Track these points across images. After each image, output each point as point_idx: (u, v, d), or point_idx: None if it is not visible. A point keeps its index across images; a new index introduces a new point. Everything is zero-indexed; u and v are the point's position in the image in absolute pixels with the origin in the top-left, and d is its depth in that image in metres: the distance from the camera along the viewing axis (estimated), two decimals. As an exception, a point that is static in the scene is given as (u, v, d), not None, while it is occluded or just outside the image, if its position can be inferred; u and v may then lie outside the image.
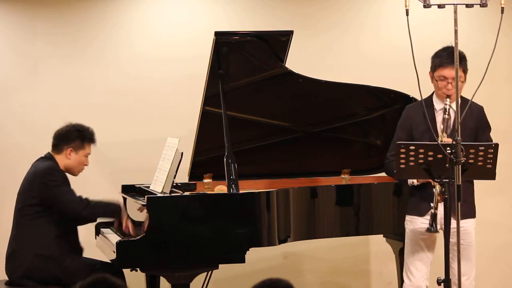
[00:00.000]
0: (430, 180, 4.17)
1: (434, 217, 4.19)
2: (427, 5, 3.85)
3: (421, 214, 4.44)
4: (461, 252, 4.23)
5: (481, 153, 3.89)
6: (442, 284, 4.00)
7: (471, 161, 3.89)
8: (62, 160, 4.84)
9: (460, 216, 4.31)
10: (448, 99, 4.33)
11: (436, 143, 3.85)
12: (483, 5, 3.82)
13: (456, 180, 3.78)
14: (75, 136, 4.86)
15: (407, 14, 3.76)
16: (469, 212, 4.33)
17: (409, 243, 4.54)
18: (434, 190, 4.19)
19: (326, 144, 5.55)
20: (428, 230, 4.21)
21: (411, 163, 3.95)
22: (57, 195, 4.67)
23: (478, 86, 3.76)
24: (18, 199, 4.81)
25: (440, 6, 3.87)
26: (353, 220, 5.09)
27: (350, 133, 5.52)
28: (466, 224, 4.33)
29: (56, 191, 4.68)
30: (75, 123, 4.94)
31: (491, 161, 3.92)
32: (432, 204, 4.19)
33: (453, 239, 4.40)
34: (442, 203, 4.35)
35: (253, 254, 4.57)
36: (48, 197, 4.69)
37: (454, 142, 3.79)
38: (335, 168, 5.62)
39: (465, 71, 4.41)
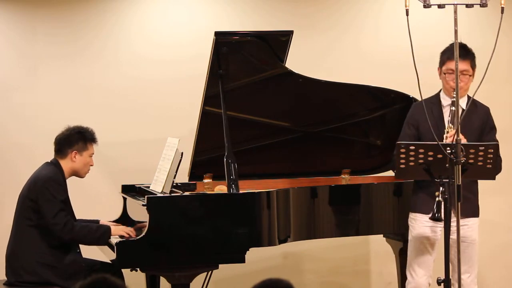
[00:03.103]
0: None
1: (438, 204, 4.18)
2: (427, 5, 3.85)
3: (426, 212, 4.44)
4: (463, 250, 4.25)
5: (481, 153, 3.90)
6: (442, 284, 4.01)
7: (471, 161, 3.89)
8: (68, 164, 4.80)
9: (465, 214, 4.34)
10: (455, 93, 4.35)
11: (436, 143, 3.86)
12: (483, 5, 3.82)
13: (456, 180, 3.79)
14: (77, 138, 4.82)
15: (407, 14, 3.77)
16: (471, 211, 4.33)
17: (412, 241, 4.55)
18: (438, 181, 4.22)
19: (326, 144, 5.55)
20: (433, 217, 4.19)
21: (411, 163, 3.96)
22: (46, 212, 4.63)
23: (478, 86, 3.77)
24: (19, 202, 4.80)
25: (440, 6, 3.87)
26: (353, 220, 5.09)
27: (350, 133, 5.52)
28: (469, 222, 4.34)
29: (46, 208, 4.64)
30: (74, 126, 4.89)
31: (491, 161, 3.92)
32: (436, 193, 4.19)
33: (453, 237, 4.43)
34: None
35: (253, 254, 4.57)
36: (39, 208, 4.67)
37: (454, 142, 3.80)
38: (335, 168, 5.62)
39: (472, 66, 4.42)
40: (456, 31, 3.84)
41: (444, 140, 4.26)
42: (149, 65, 6.17)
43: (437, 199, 4.17)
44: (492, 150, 3.91)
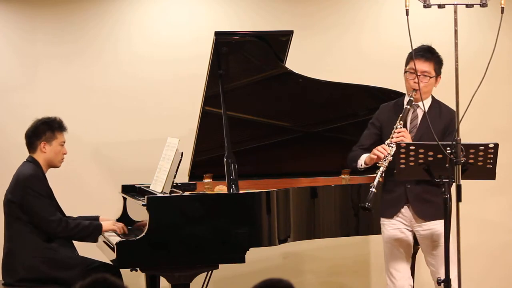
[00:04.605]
0: (376, 160, 4.28)
1: (370, 195, 4.20)
2: (427, 5, 3.85)
3: (390, 216, 4.46)
4: (437, 254, 4.25)
5: (481, 153, 3.89)
6: (442, 284, 4.01)
7: (471, 161, 3.89)
8: (40, 156, 4.82)
9: (428, 217, 4.34)
10: (414, 92, 4.35)
11: (436, 143, 3.86)
12: (483, 5, 3.82)
13: (456, 180, 3.78)
14: (43, 129, 4.84)
15: (407, 14, 3.77)
16: (437, 213, 4.15)
17: (384, 245, 4.54)
18: (377, 172, 4.26)
19: (326, 144, 5.56)
20: (360, 206, 4.20)
21: (411, 163, 3.96)
22: (36, 210, 4.65)
23: (478, 86, 3.76)
24: (5, 204, 4.81)
25: (440, 6, 3.87)
26: (353, 220, 5.09)
27: (350, 133, 5.51)
28: (436, 225, 4.31)
29: (37, 206, 4.66)
30: (41, 118, 4.91)
31: (491, 161, 3.92)
32: (371, 184, 4.22)
33: (427, 241, 4.41)
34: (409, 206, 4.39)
35: (253, 254, 4.57)
36: (27, 208, 4.67)
37: (453, 142, 3.80)
38: (335, 168, 5.63)
39: (436, 69, 4.41)
40: (456, 31, 3.84)
41: (390, 137, 4.29)
42: (149, 65, 6.17)
43: (371, 189, 4.20)
44: (492, 150, 3.90)
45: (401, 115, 4.37)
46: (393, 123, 4.41)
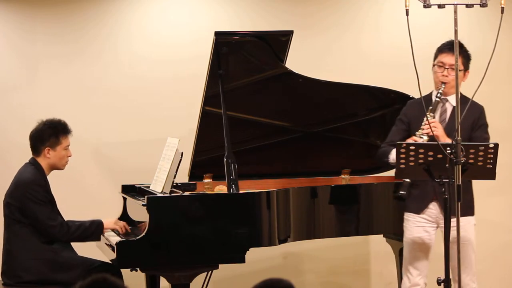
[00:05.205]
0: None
1: (404, 183, 4.24)
2: (427, 5, 3.85)
3: (416, 211, 4.46)
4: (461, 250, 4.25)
5: (481, 153, 3.90)
6: (442, 284, 4.01)
7: (471, 161, 3.89)
8: (44, 161, 4.78)
9: (455, 214, 4.33)
10: (443, 85, 4.36)
11: (436, 143, 3.86)
12: (483, 5, 3.82)
13: (456, 180, 3.79)
14: (48, 134, 4.79)
15: (407, 14, 3.77)
16: (465, 209, 4.20)
17: (406, 242, 4.55)
18: None
19: (326, 144, 5.56)
20: (394, 196, 4.21)
21: (411, 163, 3.96)
22: (37, 215, 4.63)
23: (478, 86, 3.77)
24: (4, 206, 4.79)
25: (440, 6, 3.87)
26: (353, 220, 5.09)
27: (350, 133, 5.52)
28: (462, 222, 4.29)
29: (35, 210, 4.64)
30: (46, 119, 4.86)
31: (491, 161, 3.92)
32: None
33: (451, 238, 4.43)
34: (437, 201, 4.40)
35: (253, 254, 4.57)
36: (28, 213, 4.66)
37: (453, 142, 3.81)
38: (335, 168, 5.62)
39: (464, 63, 4.42)
40: (456, 31, 3.84)
41: (421, 128, 4.30)
42: (149, 65, 6.17)
43: (404, 180, 4.21)
44: (492, 150, 3.90)
45: (430, 107, 4.37)
46: (421, 118, 4.41)
